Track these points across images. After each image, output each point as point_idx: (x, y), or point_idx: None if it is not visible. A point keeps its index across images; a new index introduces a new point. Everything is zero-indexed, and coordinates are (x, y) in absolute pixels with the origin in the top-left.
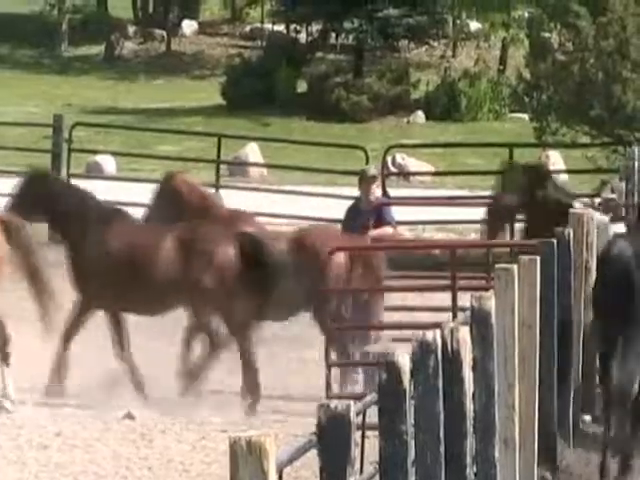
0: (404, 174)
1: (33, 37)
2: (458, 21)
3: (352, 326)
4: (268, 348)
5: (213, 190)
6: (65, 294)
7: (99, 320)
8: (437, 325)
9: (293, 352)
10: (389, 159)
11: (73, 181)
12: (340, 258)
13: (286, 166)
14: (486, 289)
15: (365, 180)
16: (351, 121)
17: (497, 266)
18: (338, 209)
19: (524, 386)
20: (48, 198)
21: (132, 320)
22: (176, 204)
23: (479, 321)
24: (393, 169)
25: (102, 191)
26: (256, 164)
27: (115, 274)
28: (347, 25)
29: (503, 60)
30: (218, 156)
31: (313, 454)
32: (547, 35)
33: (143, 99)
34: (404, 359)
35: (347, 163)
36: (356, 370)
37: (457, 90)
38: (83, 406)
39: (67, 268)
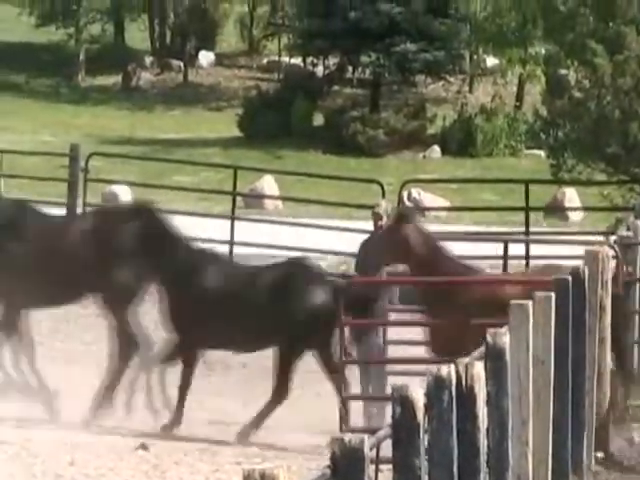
0: (420, 209)
1: (50, 67)
2: (475, 57)
3: (364, 361)
4: None
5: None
6: None
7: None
8: (452, 360)
9: (307, 385)
10: (405, 194)
11: (89, 210)
12: None
13: (302, 199)
14: (501, 325)
15: (377, 215)
16: (367, 155)
17: (512, 302)
18: (353, 243)
19: (538, 422)
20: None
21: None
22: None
23: (493, 357)
24: (409, 204)
25: None
26: (272, 197)
27: None
28: (364, 59)
29: (520, 96)
30: (234, 188)
31: None
32: (564, 72)
33: (160, 130)
34: (418, 394)
35: (363, 197)
36: (371, 404)
37: (473, 126)
38: (97, 436)
39: None
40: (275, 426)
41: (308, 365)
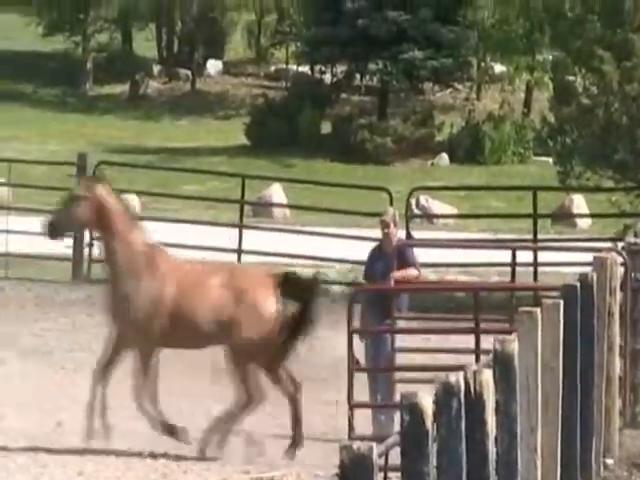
0: (428, 216)
1: (57, 76)
2: (483, 64)
3: (373, 368)
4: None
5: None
6: None
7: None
8: (460, 367)
9: (315, 393)
10: (413, 201)
11: None
12: None
13: (310, 207)
14: (509, 332)
15: (384, 222)
16: (375, 163)
17: (520, 309)
18: (362, 251)
19: (546, 429)
20: None
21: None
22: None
23: (502, 364)
24: (417, 211)
25: None
26: (280, 205)
27: None
28: (372, 67)
29: (527, 103)
30: (242, 196)
31: None
32: (571, 79)
33: (167, 138)
34: (427, 401)
35: (371, 205)
36: (380, 412)
37: (481, 133)
38: (106, 445)
39: None
40: (283, 434)
41: (317, 373)
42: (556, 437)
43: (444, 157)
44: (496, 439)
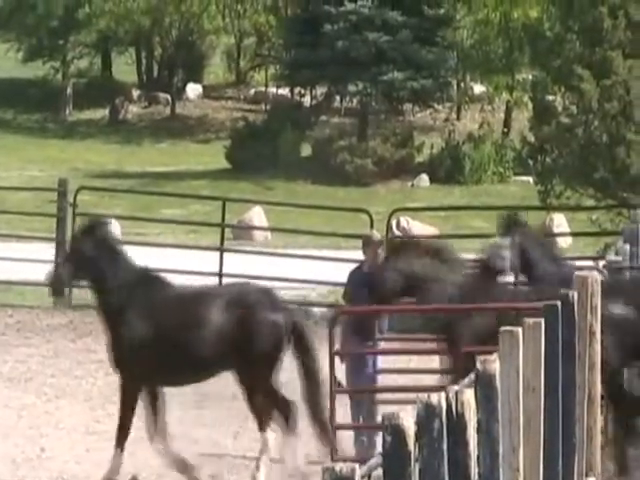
0: (409, 237)
1: (37, 101)
2: (462, 84)
3: (355, 389)
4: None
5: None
6: None
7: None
8: (442, 388)
9: (300, 415)
10: (393, 222)
11: None
12: None
13: (290, 230)
14: (490, 352)
15: (370, 244)
16: (355, 184)
17: (502, 329)
18: (342, 273)
19: (529, 449)
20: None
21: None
22: None
23: (483, 384)
24: (397, 232)
25: None
26: (261, 228)
27: None
28: (351, 88)
29: (507, 123)
30: (223, 219)
31: None
32: (551, 98)
33: (148, 163)
34: (409, 422)
35: (351, 227)
36: (362, 433)
37: (461, 153)
38: (90, 469)
39: None
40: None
41: (299, 395)
42: (538, 456)
43: (424, 178)
44: (478, 459)
